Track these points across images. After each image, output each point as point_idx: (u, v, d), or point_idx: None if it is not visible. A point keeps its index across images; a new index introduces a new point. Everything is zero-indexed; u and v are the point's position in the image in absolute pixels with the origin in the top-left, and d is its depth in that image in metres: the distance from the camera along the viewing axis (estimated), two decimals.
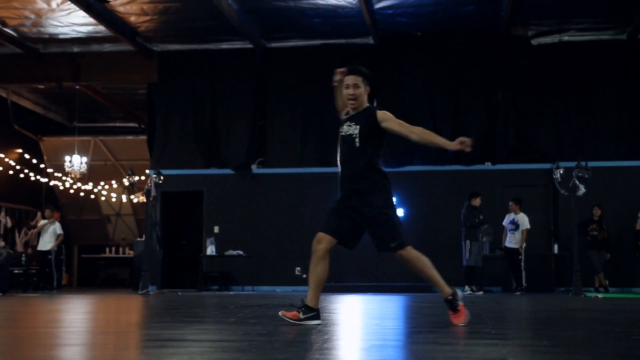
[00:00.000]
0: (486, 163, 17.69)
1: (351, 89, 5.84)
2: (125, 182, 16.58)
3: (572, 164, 14.81)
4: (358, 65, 6.03)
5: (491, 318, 6.86)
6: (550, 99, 17.68)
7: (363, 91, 5.87)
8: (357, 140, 5.76)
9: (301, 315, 5.68)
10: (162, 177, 14.80)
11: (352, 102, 5.87)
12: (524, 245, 15.55)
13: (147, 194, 14.66)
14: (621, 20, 17.11)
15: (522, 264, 15.53)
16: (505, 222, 15.92)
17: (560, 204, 16.86)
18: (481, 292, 15.58)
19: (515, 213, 15.74)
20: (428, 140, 5.80)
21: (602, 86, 17.64)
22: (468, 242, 15.61)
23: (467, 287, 15.57)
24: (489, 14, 16.69)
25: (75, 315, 7.95)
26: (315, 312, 5.72)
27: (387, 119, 5.79)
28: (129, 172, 15.20)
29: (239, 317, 6.85)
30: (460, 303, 5.80)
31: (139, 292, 14.61)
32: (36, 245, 19.89)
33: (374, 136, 5.80)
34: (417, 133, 5.76)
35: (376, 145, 5.82)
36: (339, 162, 5.91)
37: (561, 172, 14.22)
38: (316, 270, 5.76)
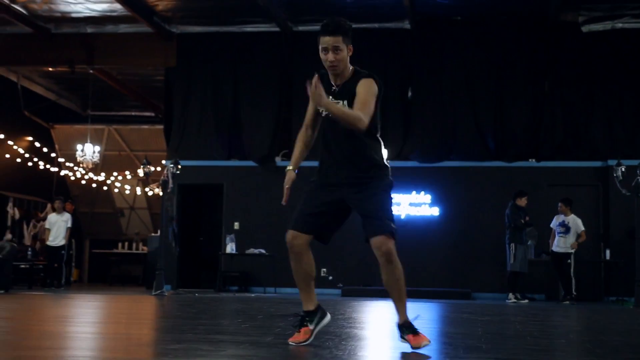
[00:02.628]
0: (530, 160, 16.32)
1: (331, 54, 4.68)
2: (140, 172, 15.29)
3: (628, 162, 13.53)
4: (336, 19, 4.76)
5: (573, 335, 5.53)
6: (601, 91, 16.28)
7: (346, 54, 4.68)
8: None
9: (311, 326, 4.87)
10: (179, 168, 13.52)
11: (334, 68, 4.72)
12: (574, 250, 14.21)
13: (164, 185, 13.40)
14: None
15: (572, 270, 14.18)
16: (553, 224, 14.58)
17: (612, 205, 15.52)
18: (526, 301, 14.26)
19: (566, 215, 14.41)
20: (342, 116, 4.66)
21: None
22: (513, 245, 14.29)
23: (510, 295, 14.25)
24: None
25: (76, 327, 6.69)
26: (319, 311, 4.94)
27: (361, 85, 4.68)
28: (144, 161, 13.97)
29: (276, 332, 5.63)
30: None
31: (153, 293, 13.37)
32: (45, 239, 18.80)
33: None
34: (355, 116, 4.64)
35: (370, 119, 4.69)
36: (324, 146, 4.93)
37: (623, 169, 12.85)
38: (302, 268, 4.89)
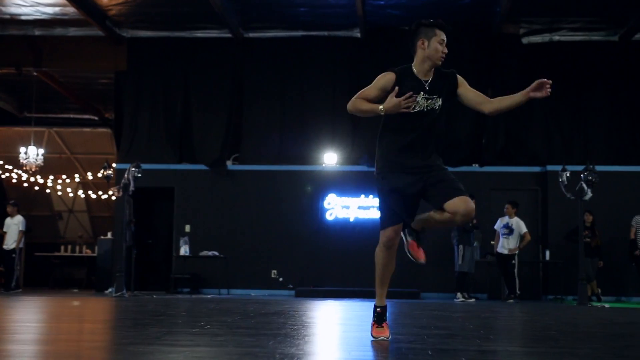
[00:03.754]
0: (473, 165, 17.04)
1: (443, 46, 5.03)
2: (89, 175, 15.32)
3: (575, 167, 14.32)
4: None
5: (541, 331, 6.08)
6: (540, 100, 16.84)
7: None
8: (439, 115, 5.06)
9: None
10: (140, 171, 13.67)
11: (442, 58, 5.06)
12: (517, 251, 14.93)
13: (125, 188, 13.51)
14: (614, 21, 16.68)
15: (516, 270, 14.89)
16: (497, 226, 15.26)
17: (551, 208, 16.35)
18: (473, 300, 14.92)
19: (510, 217, 15.09)
20: (506, 105, 5.15)
21: (593, 88, 17.16)
22: (461, 246, 14.93)
23: (459, 294, 14.90)
24: (483, 8, 16.07)
25: (88, 324, 6.90)
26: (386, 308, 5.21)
27: (463, 83, 5.11)
28: (104, 164, 14.06)
29: (276, 327, 5.94)
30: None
31: (114, 295, 13.47)
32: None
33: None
34: (494, 102, 5.10)
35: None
36: (406, 143, 4.99)
37: (567, 175, 13.59)
38: (393, 264, 5.24)
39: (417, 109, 4.95)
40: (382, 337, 5.06)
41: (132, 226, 14.50)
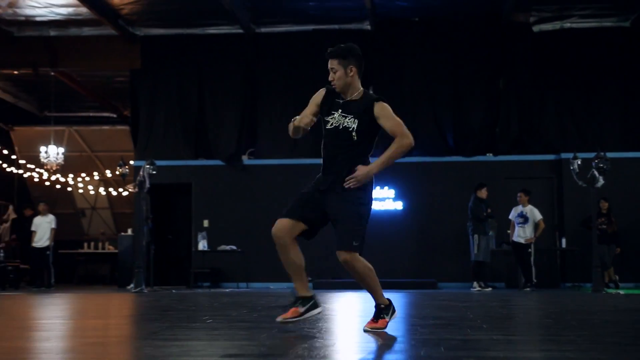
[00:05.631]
0: (488, 154, 17.06)
1: (331, 73, 5.28)
2: (108, 173, 15.55)
3: (581, 155, 14.31)
4: (340, 45, 5.40)
5: (562, 320, 6.16)
6: (553, 87, 17.10)
7: (343, 73, 5.26)
8: (354, 134, 5.22)
9: (301, 309, 5.29)
10: (155, 167, 13.88)
11: (334, 85, 5.30)
12: (534, 240, 14.96)
13: (140, 185, 13.74)
14: (625, 7, 16.61)
15: (532, 259, 14.93)
16: (512, 215, 15.29)
17: (566, 196, 16.35)
18: (489, 289, 14.98)
19: (524, 205, 15.12)
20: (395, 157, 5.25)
21: (605, 74, 17.11)
22: (476, 236, 14.99)
23: (475, 284, 14.97)
24: None
25: (89, 320, 7.09)
26: (312, 300, 5.32)
27: (382, 115, 5.21)
28: (120, 162, 14.28)
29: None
30: (387, 318, 5.32)
31: (133, 291, 13.71)
32: (10, 240, 18.94)
33: (371, 131, 5.25)
34: (400, 145, 5.18)
35: (372, 140, 5.31)
36: (325, 155, 5.32)
37: (579, 162, 13.60)
38: (290, 258, 5.27)
39: (334, 124, 5.27)
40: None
41: (149, 222, 14.71)
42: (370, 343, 4.67)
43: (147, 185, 13.78)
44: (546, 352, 4.13)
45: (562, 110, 17.01)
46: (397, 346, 4.41)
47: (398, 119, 5.22)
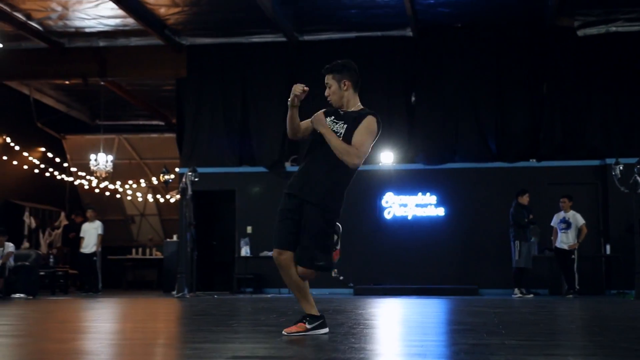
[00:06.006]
0: (531, 160, 16.93)
1: (326, 89, 5.52)
2: (154, 180, 15.88)
3: (625, 160, 14.15)
4: (343, 61, 5.59)
5: (596, 328, 6.14)
6: (598, 92, 16.91)
7: (337, 88, 5.47)
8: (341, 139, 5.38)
9: (307, 325, 5.42)
10: (197, 175, 14.12)
11: (329, 100, 5.57)
12: (577, 246, 14.83)
13: (183, 192, 13.99)
14: None
15: (575, 265, 14.79)
16: (554, 222, 15.19)
17: (611, 202, 16.15)
18: (531, 295, 14.88)
19: (566, 211, 15.01)
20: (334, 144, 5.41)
21: None
22: (517, 242, 14.91)
23: (516, 290, 14.88)
24: (534, 3, 15.99)
25: (161, 324, 7.29)
26: (321, 320, 5.47)
27: (362, 126, 5.38)
28: (163, 169, 14.58)
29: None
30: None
31: (175, 295, 13.96)
32: (62, 246, 19.44)
33: None
34: (347, 153, 5.37)
35: None
36: (308, 155, 5.58)
37: (621, 168, 13.46)
38: (293, 280, 5.45)
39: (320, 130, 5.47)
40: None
41: (192, 229, 14.95)
42: (367, 344, 4.73)
43: (190, 192, 14.03)
44: (549, 356, 4.16)
45: (606, 115, 16.81)
46: (399, 349, 4.47)
47: (369, 140, 5.35)
